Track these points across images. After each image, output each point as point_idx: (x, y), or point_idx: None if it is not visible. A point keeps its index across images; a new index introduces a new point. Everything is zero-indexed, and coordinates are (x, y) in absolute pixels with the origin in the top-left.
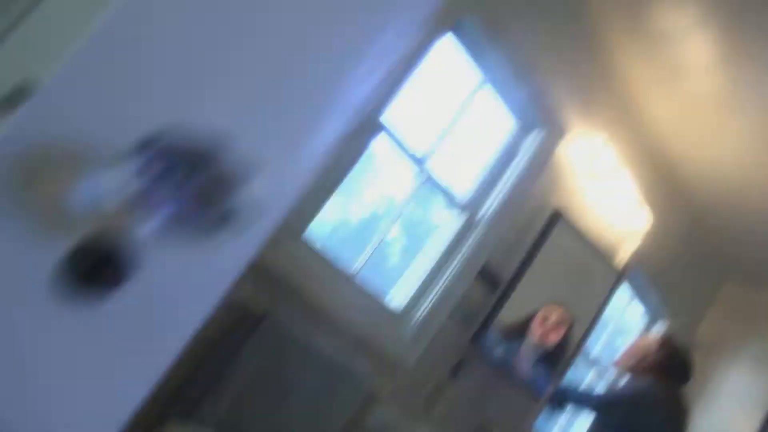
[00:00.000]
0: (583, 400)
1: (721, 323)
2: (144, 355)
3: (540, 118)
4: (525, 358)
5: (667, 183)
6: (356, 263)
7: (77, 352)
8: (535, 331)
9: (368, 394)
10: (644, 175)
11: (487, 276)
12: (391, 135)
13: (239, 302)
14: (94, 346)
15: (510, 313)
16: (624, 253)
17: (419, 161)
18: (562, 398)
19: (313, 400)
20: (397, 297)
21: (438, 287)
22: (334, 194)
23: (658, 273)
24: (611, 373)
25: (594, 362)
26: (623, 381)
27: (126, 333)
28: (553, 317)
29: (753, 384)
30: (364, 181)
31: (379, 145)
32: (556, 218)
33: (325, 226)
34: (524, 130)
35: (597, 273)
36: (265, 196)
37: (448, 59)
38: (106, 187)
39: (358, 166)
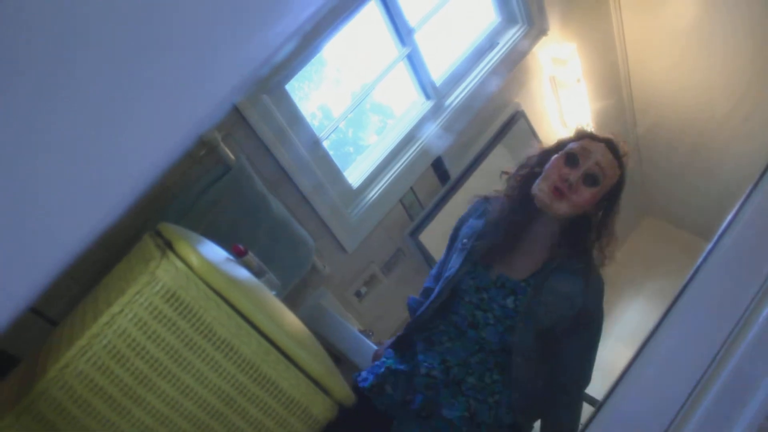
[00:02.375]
0: None
1: (631, 259)
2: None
3: (524, 13)
4: None
5: (617, 108)
6: (324, 132)
7: None
8: None
9: (309, 272)
10: (600, 96)
11: (439, 169)
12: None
13: (210, 144)
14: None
15: (452, 210)
16: None
17: (409, 31)
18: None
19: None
20: (355, 174)
21: (393, 171)
22: (315, 56)
23: None
24: None
25: None
26: None
27: None
28: None
29: (642, 321)
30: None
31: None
32: (516, 119)
33: (301, 89)
34: (506, 23)
35: None
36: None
37: None
38: None
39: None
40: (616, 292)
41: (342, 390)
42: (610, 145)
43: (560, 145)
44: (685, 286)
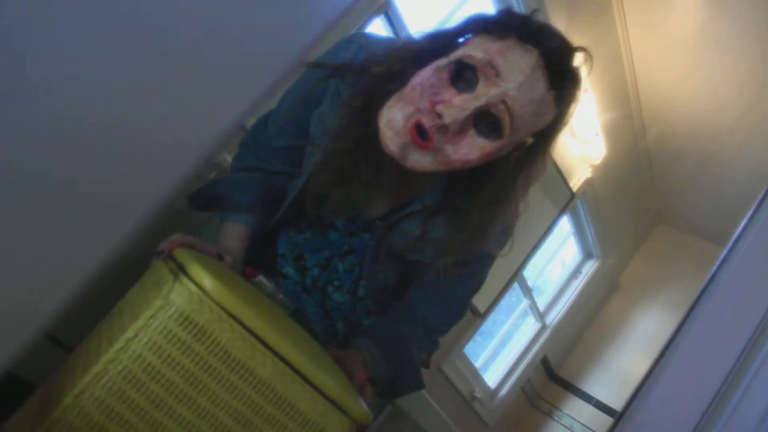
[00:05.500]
0: None
1: (645, 267)
2: None
3: None
4: None
5: (626, 117)
6: None
7: None
8: None
9: None
10: (608, 105)
11: None
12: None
13: (220, 166)
14: None
15: None
16: (576, 181)
17: None
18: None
19: None
20: None
21: None
22: None
23: (598, 209)
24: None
25: (530, 289)
26: None
27: None
28: None
29: (659, 330)
30: None
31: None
32: None
33: None
34: None
35: (552, 193)
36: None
37: None
38: None
39: None
40: (630, 301)
41: (359, 409)
42: (554, 56)
43: (452, 36)
44: (701, 294)
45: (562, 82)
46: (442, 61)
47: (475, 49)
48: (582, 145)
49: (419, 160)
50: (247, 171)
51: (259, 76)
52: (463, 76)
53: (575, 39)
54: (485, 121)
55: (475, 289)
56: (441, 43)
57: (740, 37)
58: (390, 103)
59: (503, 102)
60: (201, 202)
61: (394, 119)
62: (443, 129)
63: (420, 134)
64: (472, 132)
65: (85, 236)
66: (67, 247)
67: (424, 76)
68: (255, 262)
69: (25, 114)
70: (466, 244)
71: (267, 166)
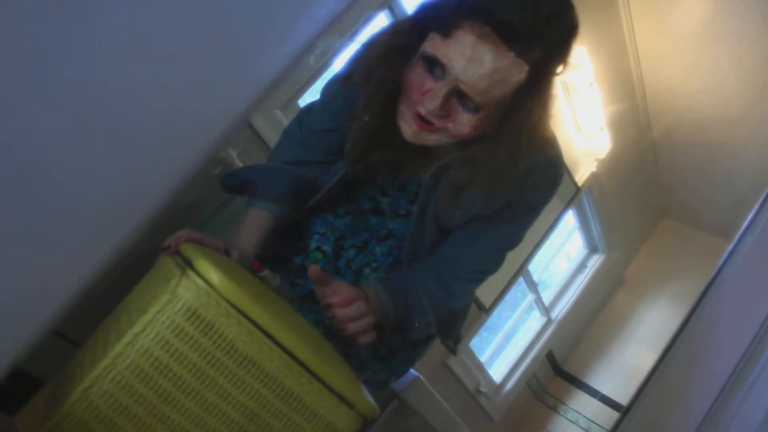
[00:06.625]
0: None
1: (651, 262)
2: None
3: None
4: None
5: (632, 111)
6: None
7: None
8: None
9: None
10: (613, 98)
11: None
12: None
13: (226, 162)
14: None
15: None
16: (581, 175)
17: None
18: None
19: None
20: None
21: None
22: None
23: (603, 203)
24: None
25: (535, 284)
26: None
27: None
28: None
29: (664, 324)
30: None
31: (378, 22)
32: None
33: None
34: None
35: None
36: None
37: None
38: None
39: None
40: (636, 295)
41: (365, 403)
42: (500, 21)
43: (413, 33)
44: (707, 288)
45: (518, 39)
46: (412, 60)
47: (427, 45)
48: (587, 139)
49: (434, 139)
50: (285, 164)
51: (264, 69)
52: (437, 65)
53: (580, 33)
54: (466, 98)
55: (518, 240)
56: (406, 40)
57: (746, 30)
58: (401, 99)
59: (466, 82)
60: (232, 183)
61: (403, 114)
62: (437, 114)
63: (423, 121)
64: (460, 110)
65: (90, 232)
66: (73, 242)
67: (407, 75)
68: (278, 248)
69: (25, 111)
70: (509, 179)
71: (308, 155)
